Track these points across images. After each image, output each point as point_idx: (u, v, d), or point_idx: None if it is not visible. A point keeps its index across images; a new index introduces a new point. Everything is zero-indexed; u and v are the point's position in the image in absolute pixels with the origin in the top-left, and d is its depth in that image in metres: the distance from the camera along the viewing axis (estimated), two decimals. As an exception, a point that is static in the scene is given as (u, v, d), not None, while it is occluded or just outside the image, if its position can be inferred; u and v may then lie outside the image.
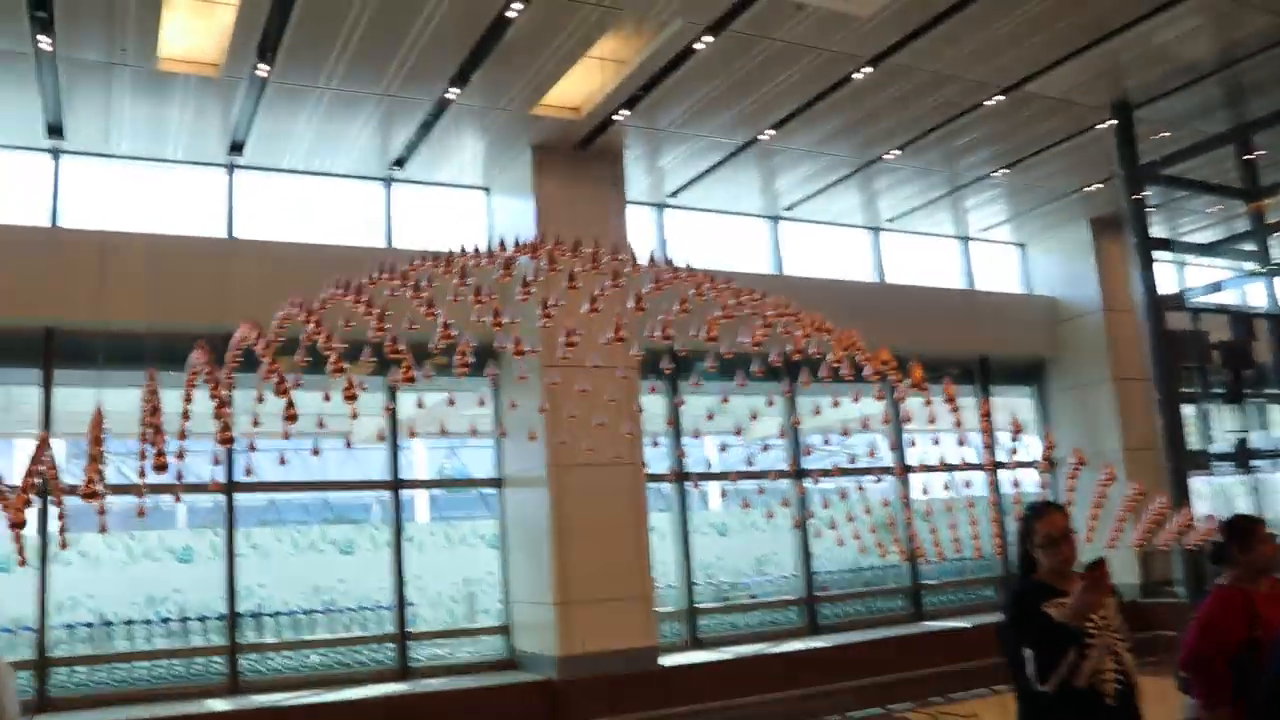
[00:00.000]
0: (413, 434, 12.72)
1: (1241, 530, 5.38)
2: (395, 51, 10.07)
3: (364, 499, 21.58)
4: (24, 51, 9.79)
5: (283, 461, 8.66)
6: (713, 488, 16.67)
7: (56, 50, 9.79)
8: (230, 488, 11.75)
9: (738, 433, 11.58)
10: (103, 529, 7.04)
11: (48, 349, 11.24)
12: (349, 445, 12.81)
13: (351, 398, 6.01)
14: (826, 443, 11.44)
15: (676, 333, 8.47)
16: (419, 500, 21.46)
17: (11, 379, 12.06)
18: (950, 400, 9.58)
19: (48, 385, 11.25)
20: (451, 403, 8.71)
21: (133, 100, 10.77)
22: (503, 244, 7.58)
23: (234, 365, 6.55)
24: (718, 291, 7.88)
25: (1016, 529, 4.50)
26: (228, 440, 6.15)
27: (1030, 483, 17.66)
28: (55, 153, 11.79)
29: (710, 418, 10.57)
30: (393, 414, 12.80)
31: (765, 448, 12.50)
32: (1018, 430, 10.30)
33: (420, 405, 8.93)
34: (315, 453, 8.41)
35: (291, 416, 5.80)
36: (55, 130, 11.36)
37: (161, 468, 6.01)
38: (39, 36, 9.56)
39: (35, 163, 11.81)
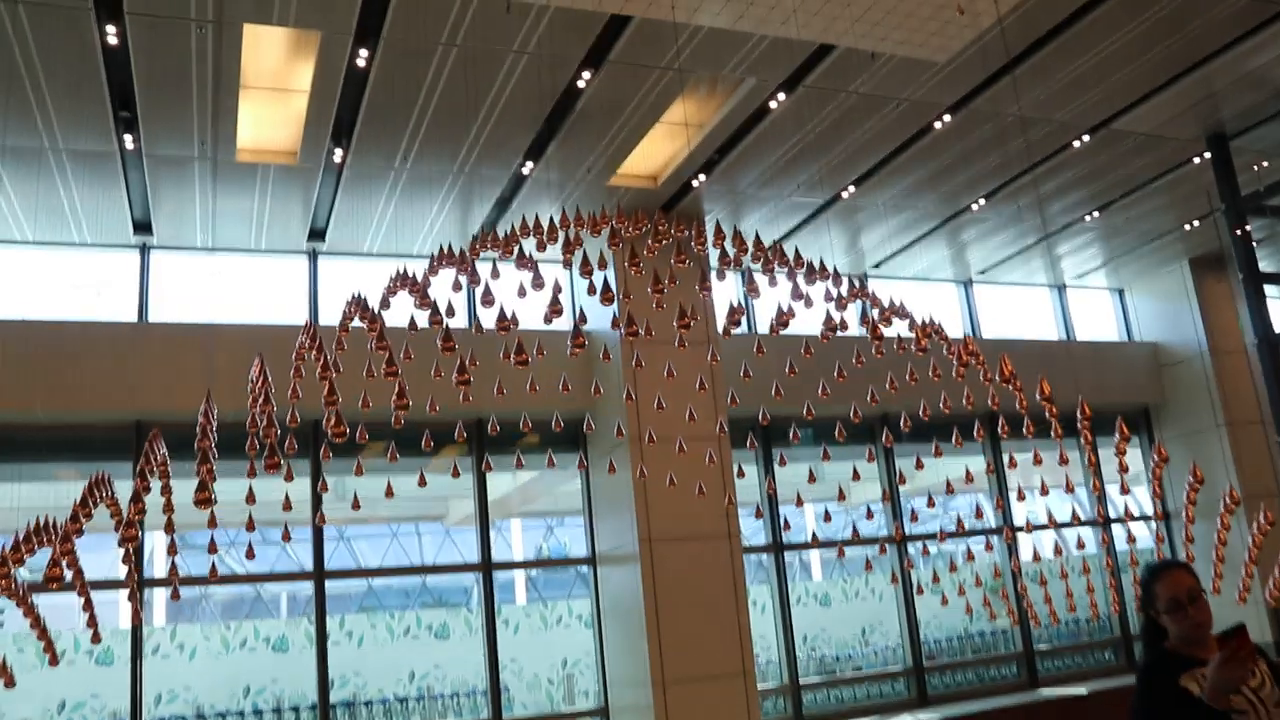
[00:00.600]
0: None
1: None
2: (467, 129, 10.07)
3: (463, 582, 21.47)
4: (109, 150, 9.99)
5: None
6: (814, 556, 16.23)
7: (141, 148, 9.97)
8: (320, 575, 11.64)
9: (840, 498, 11.17)
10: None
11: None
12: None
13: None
14: (930, 504, 10.98)
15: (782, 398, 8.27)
16: (517, 581, 21.33)
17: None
18: (1123, 444, 9.10)
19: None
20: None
21: (216, 193, 10.91)
22: (583, 316, 7.41)
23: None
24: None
25: (1137, 593, 3.94)
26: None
27: (1146, 536, 16.97)
28: (144, 248, 11.98)
29: (811, 479, 10.18)
30: (483, 495, 12.63)
31: (869, 514, 12.08)
32: (1199, 480, 9.66)
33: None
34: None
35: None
36: (142, 227, 11.56)
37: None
38: (124, 135, 9.76)
39: (125, 260, 12.03)
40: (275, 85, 9.52)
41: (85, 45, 8.43)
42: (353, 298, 7.03)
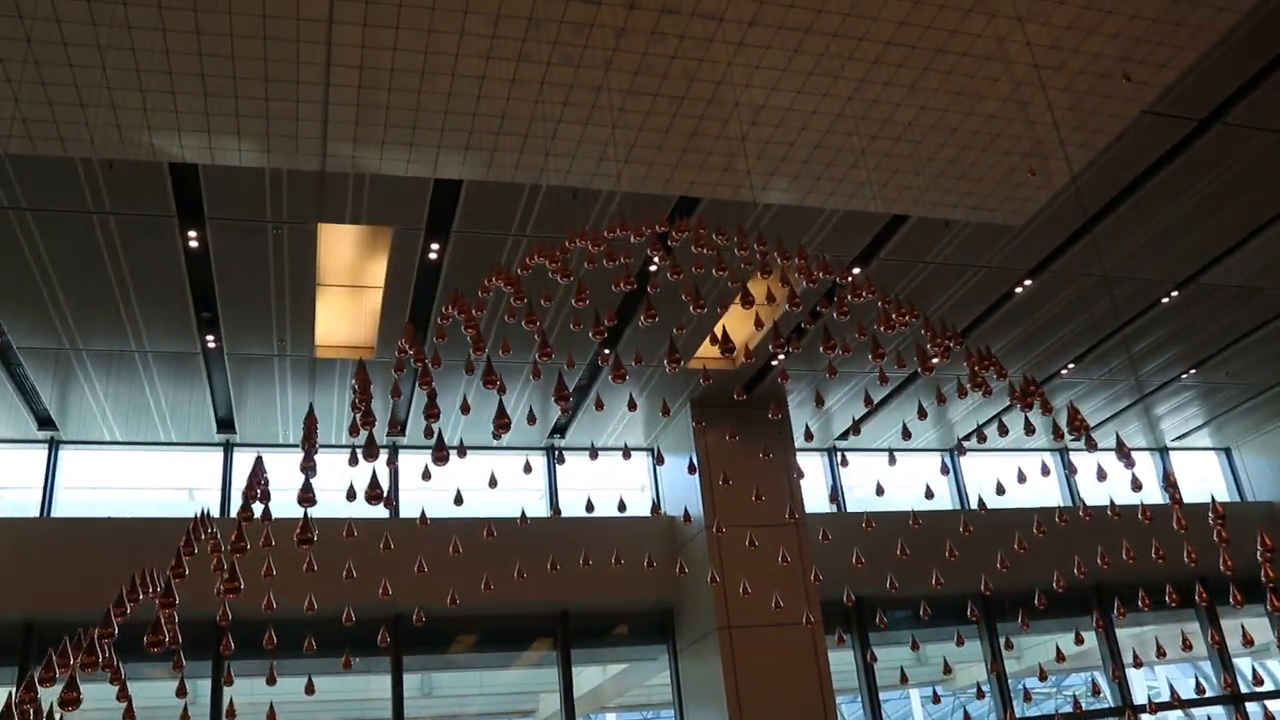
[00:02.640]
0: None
1: None
2: (539, 318, 10.05)
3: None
4: (193, 351, 10.16)
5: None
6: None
7: (223, 347, 10.14)
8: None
9: (946, 671, 10.55)
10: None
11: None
12: None
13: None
14: (1042, 678, 10.25)
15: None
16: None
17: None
18: None
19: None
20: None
21: (295, 389, 11.01)
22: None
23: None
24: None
25: None
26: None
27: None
28: (227, 445, 12.09)
29: (915, 647, 9.63)
30: (568, 688, 12.18)
31: (980, 694, 11.36)
32: None
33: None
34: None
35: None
36: (226, 424, 11.68)
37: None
38: (206, 336, 9.94)
39: (210, 459, 12.12)
40: (351, 281, 9.65)
41: (169, 251, 8.66)
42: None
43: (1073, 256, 10.26)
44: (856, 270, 9.77)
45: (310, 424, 5.58)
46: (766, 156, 7.71)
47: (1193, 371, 13.51)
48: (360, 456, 5.81)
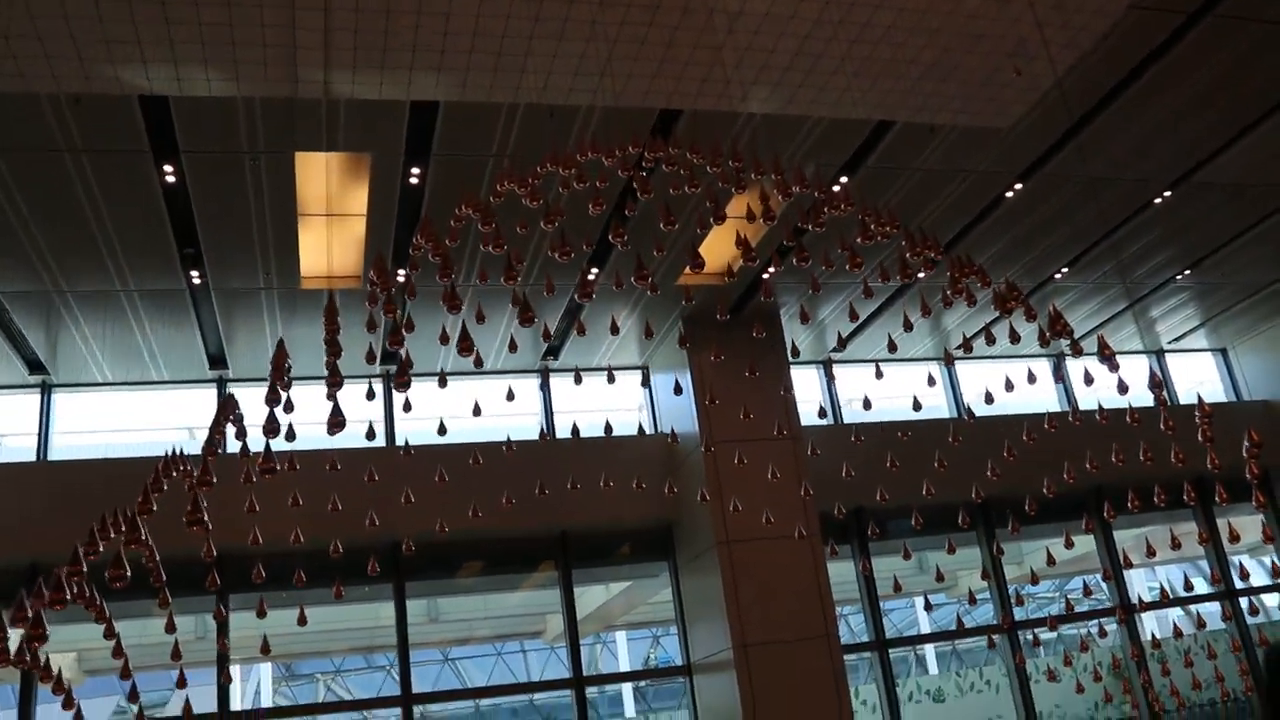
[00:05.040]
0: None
1: None
2: (529, 239, 9.97)
3: (562, 697, 21.05)
4: (178, 288, 10.10)
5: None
6: (928, 650, 15.56)
7: (208, 282, 10.07)
8: (407, 699, 11.35)
9: (939, 578, 10.64)
10: None
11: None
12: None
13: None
14: (1034, 581, 10.36)
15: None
16: (625, 694, 20.89)
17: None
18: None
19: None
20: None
21: (284, 322, 10.95)
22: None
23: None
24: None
25: (1262, 679, 3.21)
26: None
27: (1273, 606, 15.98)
28: (220, 381, 12.06)
29: (907, 556, 9.70)
30: (570, 610, 12.29)
31: (972, 600, 11.45)
32: None
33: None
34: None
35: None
36: (218, 360, 11.65)
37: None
38: (190, 272, 9.86)
39: (202, 396, 12.09)
40: (333, 210, 9.54)
41: (146, 187, 8.56)
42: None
43: (1062, 159, 10.12)
44: (844, 179, 9.66)
45: (279, 358, 5.62)
46: (746, 64, 7.57)
47: (1187, 272, 13.42)
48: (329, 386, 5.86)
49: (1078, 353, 7.65)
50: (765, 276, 11.10)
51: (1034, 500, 8.70)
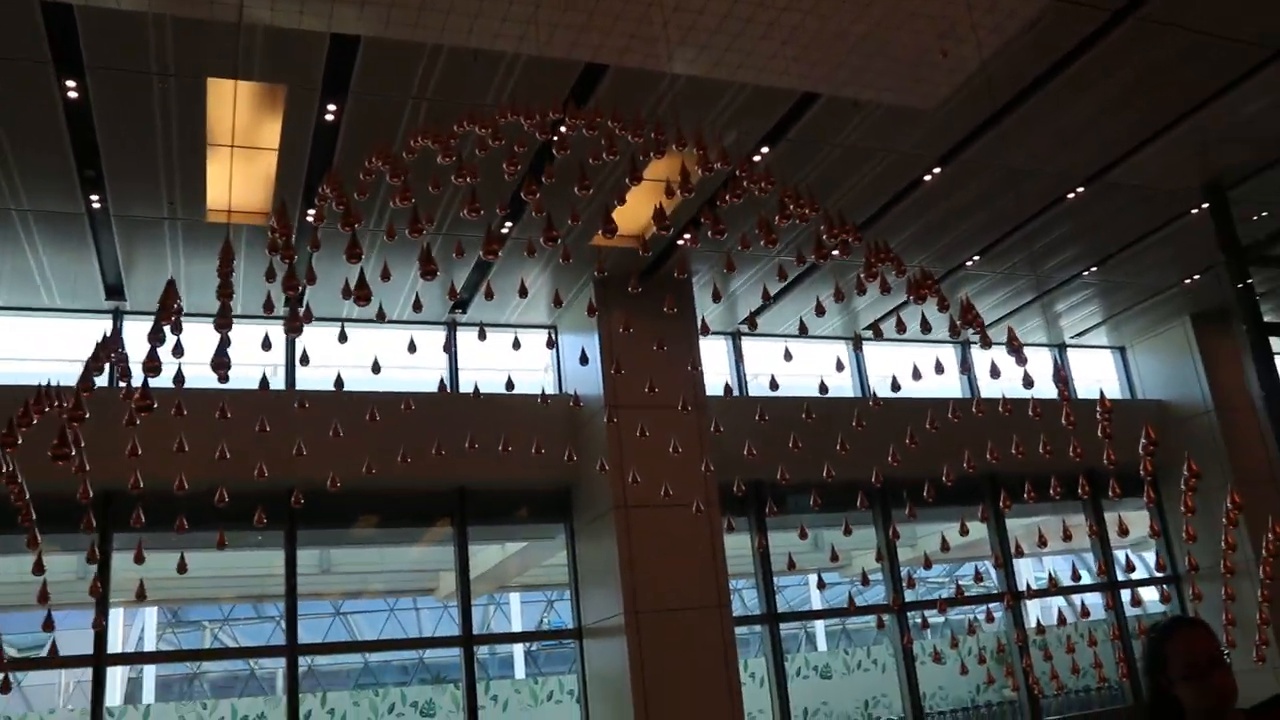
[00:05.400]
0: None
1: None
2: (438, 200, 9.79)
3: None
4: (77, 212, 9.73)
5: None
6: (819, 626, 15.77)
7: (109, 208, 9.71)
8: (293, 650, 11.16)
9: (833, 559, 10.74)
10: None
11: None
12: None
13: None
14: (927, 565, 10.55)
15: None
16: (516, 655, 20.86)
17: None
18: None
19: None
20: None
21: (188, 255, 10.63)
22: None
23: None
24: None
25: (1142, 658, 3.24)
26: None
27: (1154, 600, 16.45)
28: (116, 313, 11.69)
29: (803, 535, 9.84)
30: (464, 568, 12.18)
31: (865, 580, 11.59)
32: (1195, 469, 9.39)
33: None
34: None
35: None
36: (115, 291, 11.28)
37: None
38: (90, 195, 9.50)
39: (99, 328, 11.70)
40: (244, 143, 9.25)
41: (46, 101, 8.20)
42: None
43: (982, 146, 10.21)
44: (765, 149, 9.63)
45: (168, 298, 5.52)
46: (674, 23, 7.48)
47: (1094, 269, 13.68)
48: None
49: (986, 344, 7.78)
50: (680, 243, 11.08)
51: (932, 486, 8.81)
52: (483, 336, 7.83)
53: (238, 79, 8.15)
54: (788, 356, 8.31)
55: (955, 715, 14.45)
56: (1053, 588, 12.03)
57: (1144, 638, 3.19)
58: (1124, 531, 9.58)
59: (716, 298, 8.85)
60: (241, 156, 9.42)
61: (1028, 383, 7.90)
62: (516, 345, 8.26)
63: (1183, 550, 14.51)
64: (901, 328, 8.31)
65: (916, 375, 8.23)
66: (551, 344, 8.08)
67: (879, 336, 9.11)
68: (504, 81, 8.39)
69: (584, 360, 8.65)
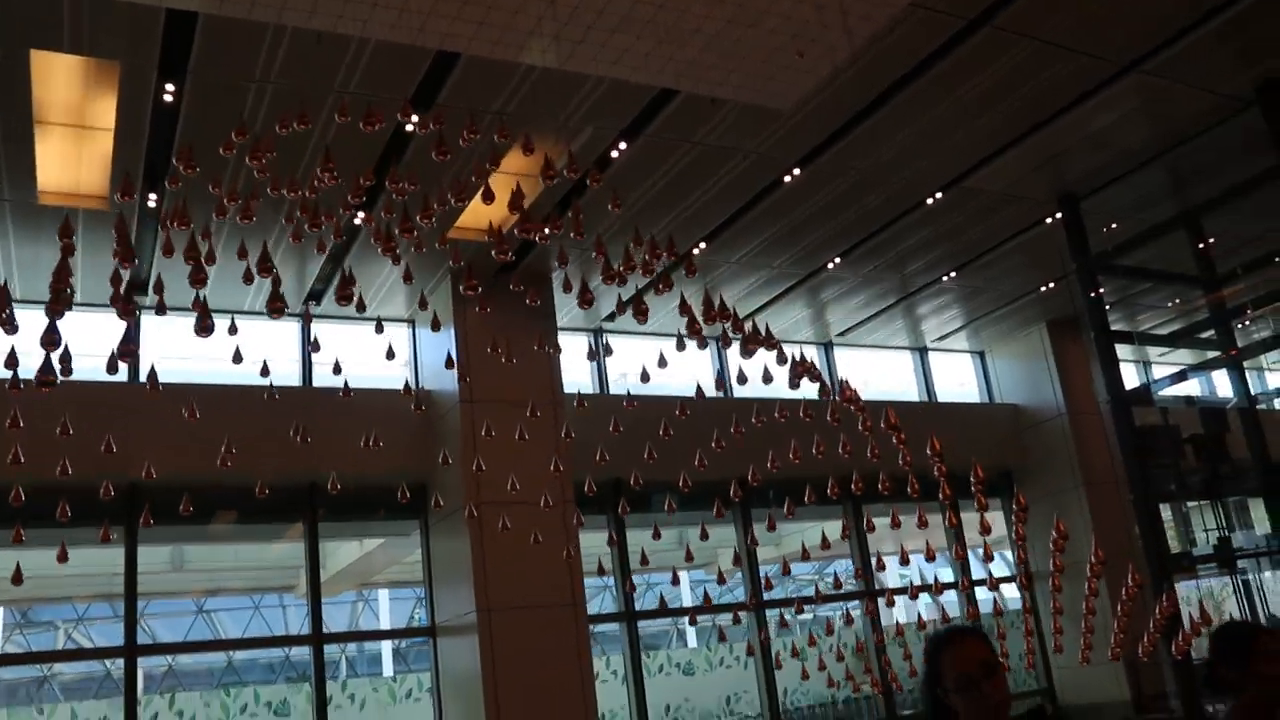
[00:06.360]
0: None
1: (1243, 644, 3.65)
2: (291, 175, 9.46)
3: (331, 655, 20.48)
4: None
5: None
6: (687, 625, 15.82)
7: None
8: (130, 651, 10.72)
9: (688, 558, 10.74)
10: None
11: None
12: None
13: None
14: (785, 571, 10.64)
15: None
16: (385, 652, 20.50)
17: None
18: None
19: None
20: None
21: (17, 239, 10.11)
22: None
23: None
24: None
25: (922, 668, 3.21)
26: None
27: (1013, 599, 16.83)
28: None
29: (656, 535, 9.82)
30: (314, 564, 11.86)
31: (721, 579, 11.59)
32: (1063, 535, 9.81)
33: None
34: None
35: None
36: (-58, 275, 10.69)
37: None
38: (-90, 172, 8.98)
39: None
40: (77, 121, 8.81)
41: None
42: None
43: (841, 149, 10.26)
44: (623, 145, 9.53)
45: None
46: (525, 12, 7.29)
47: (953, 274, 13.91)
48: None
49: (726, 344, 7.89)
50: (539, 240, 10.89)
51: (791, 500, 8.90)
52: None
53: (65, 52, 7.73)
54: (662, 363, 8.31)
55: (814, 710, 14.58)
56: (913, 590, 12.16)
57: (925, 649, 3.16)
58: (986, 529, 9.83)
59: (568, 288, 8.71)
60: (75, 136, 8.97)
61: (767, 379, 8.15)
62: (379, 329, 8.12)
63: (1045, 552, 14.88)
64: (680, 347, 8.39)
65: (661, 364, 8.31)
66: (415, 335, 7.82)
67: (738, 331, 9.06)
68: (353, 66, 8.14)
69: (450, 365, 8.51)
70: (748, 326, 8.09)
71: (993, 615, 14.11)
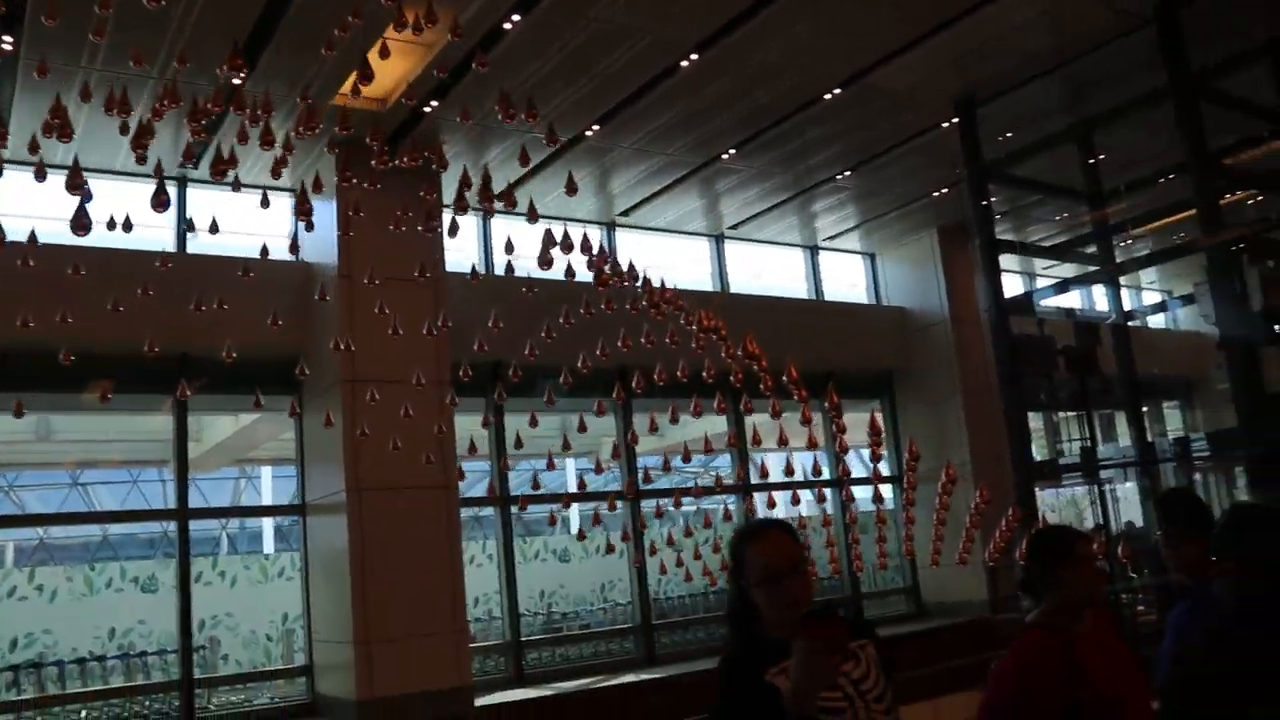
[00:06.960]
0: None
1: (1053, 547, 3.75)
2: (164, 26, 8.95)
3: (212, 531, 20.16)
4: None
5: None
6: (574, 511, 15.90)
7: None
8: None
9: (566, 447, 10.70)
10: None
11: None
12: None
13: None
14: (666, 468, 10.63)
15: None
16: (265, 530, 20.22)
17: None
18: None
19: None
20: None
21: None
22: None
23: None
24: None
25: (728, 561, 3.06)
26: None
27: (887, 498, 17.22)
28: None
29: (534, 423, 9.78)
30: (182, 438, 11.54)
31: (599, 468, 11.58)
32: (915, 456, 9.99)
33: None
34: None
35: None
36: None
37: None
38: None
39: None
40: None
41: None
42: None
43: (741, 37, 10.01)
44: (516, 17, 9.17)
45: None
46: None
47: (848, 174, 13.84)
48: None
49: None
50: (427, 110, 10.58)
51: (663, 373, 8.82)
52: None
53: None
54: (509, 249, 8.10)
55: (684, 600, 14.85)
56: (785, 481, 12.27)
57: (732, 540, 3.11)
58: (807, 419, 9.92)
59: (442, 166, 8.40)
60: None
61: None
62: (265, 203, 7.85)
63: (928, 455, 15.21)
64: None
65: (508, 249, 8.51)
66: (305, 205, 7.47)
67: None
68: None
69: (336, 248, 8.21)
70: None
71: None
